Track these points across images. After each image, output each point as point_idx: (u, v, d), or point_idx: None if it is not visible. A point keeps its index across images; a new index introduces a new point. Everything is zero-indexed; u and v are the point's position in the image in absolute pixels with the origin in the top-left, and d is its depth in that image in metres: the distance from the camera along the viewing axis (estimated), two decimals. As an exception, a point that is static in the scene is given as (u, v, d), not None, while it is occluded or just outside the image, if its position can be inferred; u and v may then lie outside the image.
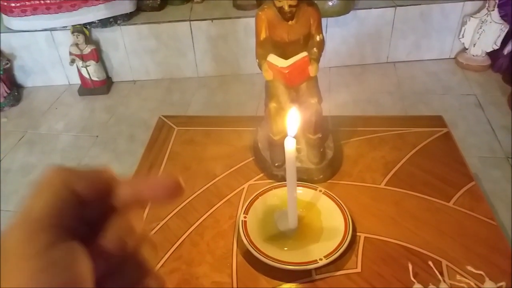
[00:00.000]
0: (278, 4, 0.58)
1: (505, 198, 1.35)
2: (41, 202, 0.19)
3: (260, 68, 0.65)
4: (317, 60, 0.62)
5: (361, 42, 2.07)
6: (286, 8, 0.58)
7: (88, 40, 1.96)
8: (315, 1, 0.62)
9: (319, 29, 0.63)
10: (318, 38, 0.63)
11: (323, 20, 1.94)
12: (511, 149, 1.56)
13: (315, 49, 0.63)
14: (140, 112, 1.92)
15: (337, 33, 2.02)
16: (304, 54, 0.60)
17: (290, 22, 0.61)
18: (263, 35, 0.63)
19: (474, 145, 1.58)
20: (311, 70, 0.62)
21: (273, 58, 0.62)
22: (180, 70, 2.12)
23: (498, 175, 1.45)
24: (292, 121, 0.53)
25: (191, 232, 0.64)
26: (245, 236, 0.59)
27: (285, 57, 0.62)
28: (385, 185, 0.70)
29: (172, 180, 0.21)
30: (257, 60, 0.65)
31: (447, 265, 0.57)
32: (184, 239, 0.63)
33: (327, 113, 0.75)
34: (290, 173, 0.56)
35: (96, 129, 1.82)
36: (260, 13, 0.62)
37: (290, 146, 0.53)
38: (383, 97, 1.89)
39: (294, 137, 0.53)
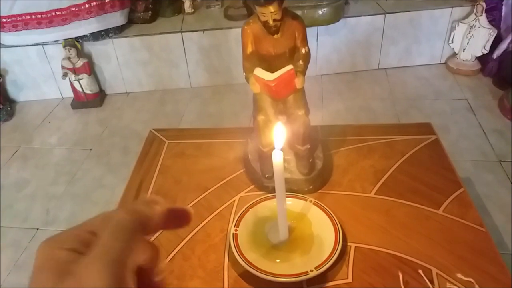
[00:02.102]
0: (263, 18, 0.59)
1: (498, 202, 1.36)
2: (121, 245, 0.20)
3: (248, 82, 0.65)
4: (303, 73, 0.63)
5: (352, 50, 2.09)
6: (271, 22, 0.59)
7: (80, 53, 1.97)
8: (304, 11, 0.63)
9: (305, 42, 0.63)
10: (303, 50, 0.63)
11: (314, 29, 1.96)
12: (503, 152, 1.57)
13: (301, 61, 0.63)
14: (133, 124, 1.92)
15: (328, 41, 2.04)
16: (290, 67, 0.61)
17: (275, 36, 0.62)
18: (249, 49, 0.64)
19: (466, 149, 1.59)
20: (297, 82, 0.62)
21: (259, 72, 0.62)
22: (173, 81, 2.13)
23: (490, 179, 1.46)
24: (279, 134, 0.53)
25: (182, 246, 0.64)
26: (236, 250, 0.59)
27: (272, 70, 0.62)
28: (374, 194, 0.71)
29: (183, 210, 0.24)
30: (244, 74, 0.65)
31: (437, 273, 0.57)
32: (175, 253, 0.63)
33: (320, 121, 0.76)
34: (279, 186, 0.56)
35: (90, 142, 1.82)
36: (245, 27, 0.63)
37: (278, 159, 0.53)
38: (375, 104, 1.91)
39: (283, 148, 0.53)
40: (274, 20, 0.59)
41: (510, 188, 1.41)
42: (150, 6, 2.09)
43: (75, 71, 1.96)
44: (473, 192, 1.38)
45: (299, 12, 0.63)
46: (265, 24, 0.60)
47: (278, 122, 0.51)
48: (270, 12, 0.59)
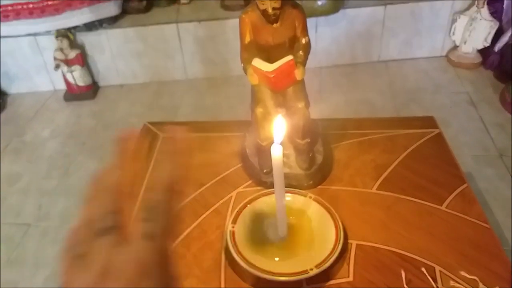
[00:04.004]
0: (262, 6, 0.57)
1: (499, 196, 1.34)
2: None
3: (246, 73, 0.63)
4: (303, 64, 0.60)
5: (352, 41, 2.06)
6: (270, 10, 0.56)
7: (73, 44, 1.93)
8: (303, 1, 0.61)
9: (305, 32, 0.61)
10: (303, 40, 0.61)
11: (313, 20, 1.93)
12: (504, 146, 1.55)
13: (301, 52, 0.61)
14: (128, 117, 1.89)
15: (327, 33, 2.01)
16: (290, 57, 0.58)
17: (274, 25, 0.59)
18: (247, 39, 0.61)
19: (467, 143, 1.57)
20: (297, 73, 0.60)
21: (258, 62, 0.60)
22: (168, 72, 2.09)
23: (491, 173, 1.44)
24: (279, 128, 0.51)
25: (177, 244, 0.62)
26: (233, 247, 0.57)
27: (271, 61, 0.60)
28: (376, 190, 0.68)
29: None
30: (242, 65, 0.63)
31: (440, 271, 0.56)
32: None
33: (318, 115, 0.73)
34: (278, 181, 0.54)
35: (83, 136, 1.79)
36: (243, 16, 0.60)
37: (277, 153, 0.51)
38: (375, 97, 1.88)
39: (282, 142, 0.51)
40: (274, 9, 0.57)
41: (511, 183, 1.39)
42: (145, -5, 2.05)
43: (68, 62, 1.92)
44: (473, 186, 1.34)
45: (298, 2, 0.61)
46: (264, 12, 0.58)
47: (278, 115, 0.49)
48: (269, 0, 0.56)
